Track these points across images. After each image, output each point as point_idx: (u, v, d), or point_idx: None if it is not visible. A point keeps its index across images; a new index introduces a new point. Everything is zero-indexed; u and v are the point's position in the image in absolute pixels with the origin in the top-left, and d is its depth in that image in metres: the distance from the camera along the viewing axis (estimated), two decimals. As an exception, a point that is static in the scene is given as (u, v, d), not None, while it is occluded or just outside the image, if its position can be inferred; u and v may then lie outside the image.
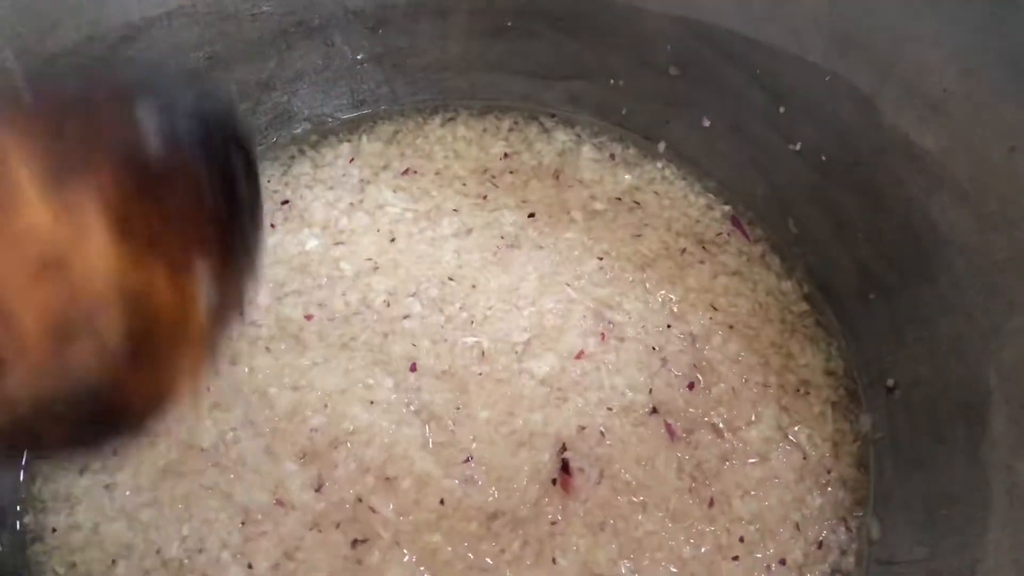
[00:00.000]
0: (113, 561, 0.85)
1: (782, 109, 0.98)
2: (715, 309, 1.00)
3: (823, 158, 0.96)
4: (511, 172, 1.10)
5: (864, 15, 0.84)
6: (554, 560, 0.85)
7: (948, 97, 0.80)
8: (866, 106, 0.88)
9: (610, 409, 0.92)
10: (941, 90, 0.80)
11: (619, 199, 1.08)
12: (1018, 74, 0.75)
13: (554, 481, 0.89)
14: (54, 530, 0.87)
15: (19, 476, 0.89)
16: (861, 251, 0.95)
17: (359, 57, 1.09)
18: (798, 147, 0.98)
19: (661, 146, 1.11)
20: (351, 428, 0.91)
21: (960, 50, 0.78)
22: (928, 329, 0.87)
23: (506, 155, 1.11)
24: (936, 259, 0.85)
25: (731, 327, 0.98)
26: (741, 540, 0.87)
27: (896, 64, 0.84)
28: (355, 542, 0.85)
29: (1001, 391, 0.78)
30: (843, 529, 0.89)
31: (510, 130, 1.14)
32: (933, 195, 0.84)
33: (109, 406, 0.52)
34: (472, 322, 0.97)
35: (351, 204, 1.06)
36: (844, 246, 0.97)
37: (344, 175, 1.09)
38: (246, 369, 0.94)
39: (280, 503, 0.87)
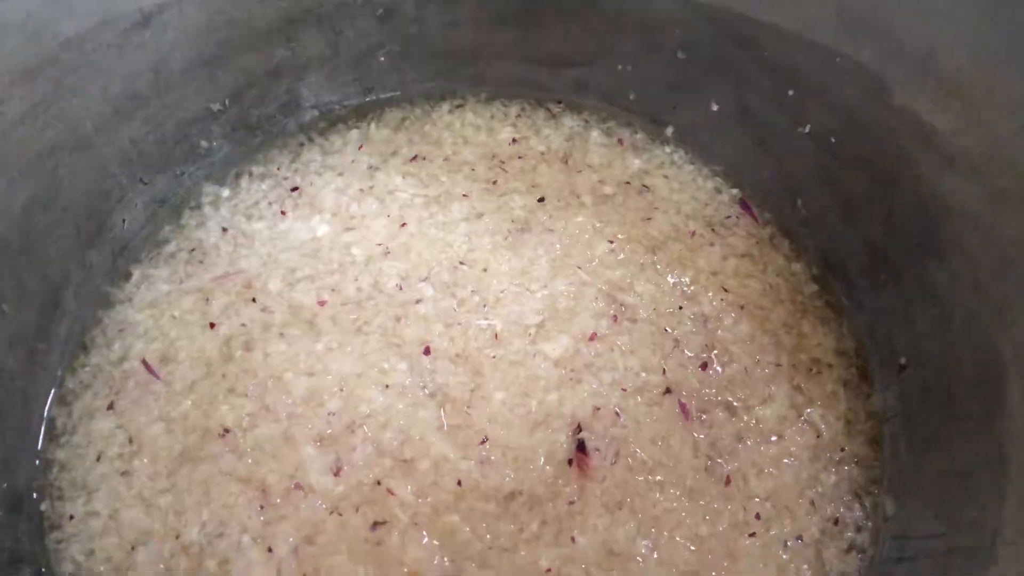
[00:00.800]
0: (132, 547, 0.85)
1: (791, 92, 0.98)
2: (726, 291, 1.00)
3: (832, 140, 0.97)
4: (520, 157, 1.10)
5: (874, -5, 0.85)
6: (573, 539, 0.85)
7: (960, 76, 0.81)
8: (876, 86, 0.89)
9: (624, 390, 0.93)
10: (953, 69, 0.81)
11: (628, 183, 1.08)
12: (1029, 51, 0.76)
13: (570, 461, 0.89)
14: (71, 517, 0.87)
15: (34, 464, 0.89)
16: (871, 231, 0.96)
17: (367, 45, 1.09)
18: (807, 129, 0.99)
19: (669, 131, 1.11)
20: (367, 412, 0.91)
21: (972, 29, 0.79)
22: (940, 306, 0.88)
23: (514, 140, 1.11)
24: (947, 236, 0.86)
25: (742, 308, 0.99)
26: (757, 517, 0.88)
27: (907, 44, 0.84)
28: (374, 524, 0.85)
29: (1016, 365, 0.79)
30: (858, 506, 0.90)
31: (518, 116, 1.14)
32: (944, 173, 0.85)
33: None
34: (484, 305, 0.97)
35: (361, 190, 1.06)
36: (853, 226, 0.98)
37: (353, 162, 1.09)
38: (261, 355, 0.94)
39: (299, 487, 0.87)
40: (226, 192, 1.06)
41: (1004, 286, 0.81)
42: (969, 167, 0.82)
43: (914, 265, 0.91)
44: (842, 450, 0.92)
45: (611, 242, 1.03)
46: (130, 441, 0.89)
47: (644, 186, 1.08)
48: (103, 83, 0.90)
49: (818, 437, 0.92)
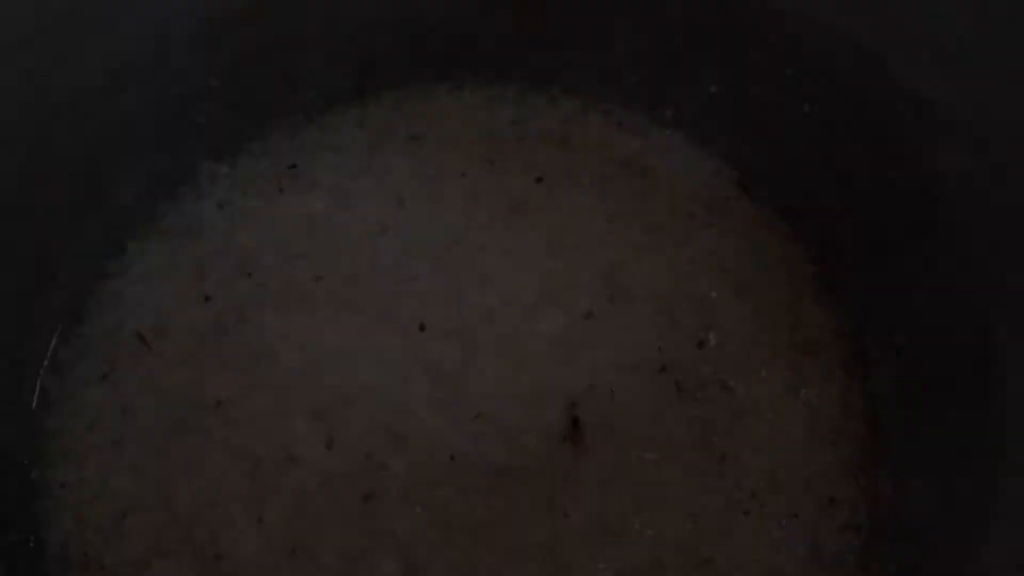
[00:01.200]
0: (123, 515, 0.84)
1: (789, 71, 0.98)
2: (723, 271, 1.00)
3: (831, 118, 0.96)
4: (518, 138, 1.10)
5: (874, -30, 0.84)
6: (565, 514, 0.85)
7: (960, 47, 0.80)
8: (875, 62, 0.88)
9: (620, 368, 0.92)
10: (953, 40, 0.80)
11: (627, 164, 1.08)
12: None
13: (564, 438, 0.88)
14: (62, 485, 0.86)
15: (24, 432, 0.89)
16: (870, 210, 0.95)
17: (367, 24, 1.09)
18: (805, 109, 0.98)
19: (668, 112, 1.11)
20: (360, 386, 0.90)
21: None
22: (938, 285, 0.87)
23: (513, 122, 1.11)
24: (946, 214, 0.85)
25: (739, 288, 0.98)
26: (752, 496, 0.87)
27: (905, 16, 0.84)
28: (366, 497, 0.85)
29: (1014, 343, 0.78)
30: (853, 485, 0.89)
31: (516, 97, 1.14)
32: (943, 148, 0.84)
33: None
34: (480, 283, 0.97)
35: (358, 168, 1.06)
36: (853, 206, 0.97)
37: (351, 140, 1.09)
38: (255, 329, 0.94)
39: (291, 459, 0.86)
40: (224, 168, 1.06)
41: (1003, 263, 0.80)
42: (969, 141, 0.81)
43: (913, 244, 0.90)
44: (838, 430, 0.91)
45: (609, 222, 1.02)
46: (122, 411, 0.89)
47: (643, 168, 1.08)
48: (101, 52, 0.90)
49: (814, 417, 0.92)
